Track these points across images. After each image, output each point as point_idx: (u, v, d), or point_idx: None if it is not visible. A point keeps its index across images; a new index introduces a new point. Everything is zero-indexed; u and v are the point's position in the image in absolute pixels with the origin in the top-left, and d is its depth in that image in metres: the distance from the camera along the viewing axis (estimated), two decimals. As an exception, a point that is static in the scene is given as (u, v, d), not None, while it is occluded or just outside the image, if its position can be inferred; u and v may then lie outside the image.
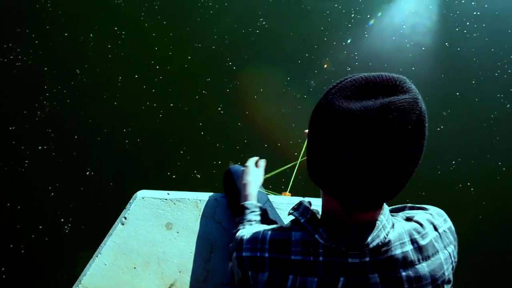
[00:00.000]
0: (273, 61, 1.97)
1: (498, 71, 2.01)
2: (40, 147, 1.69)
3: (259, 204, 0.77)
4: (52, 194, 1.58)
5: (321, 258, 0.45)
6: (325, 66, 1.91)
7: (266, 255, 0.48)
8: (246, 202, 0.76)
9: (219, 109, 1.81)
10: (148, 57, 1.93)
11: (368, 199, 0.41)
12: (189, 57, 1.94)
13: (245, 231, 0.55)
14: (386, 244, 0.44)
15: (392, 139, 0.36)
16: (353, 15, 2.17)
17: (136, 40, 2.00)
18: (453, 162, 1.73)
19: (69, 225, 1.51)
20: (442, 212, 0.53)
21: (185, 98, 1.84)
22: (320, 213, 0.50)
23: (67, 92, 1.83)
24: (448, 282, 0.47)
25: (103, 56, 1.93)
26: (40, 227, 1.50)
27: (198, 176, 1.65)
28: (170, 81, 1.88)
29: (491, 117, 1.85)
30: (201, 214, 1.01)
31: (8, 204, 1.55)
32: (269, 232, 0.50)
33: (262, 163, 0.92)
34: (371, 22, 2.19)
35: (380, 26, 2.15)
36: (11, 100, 1.81)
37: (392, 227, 0.46)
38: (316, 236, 0.46)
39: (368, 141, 0.35)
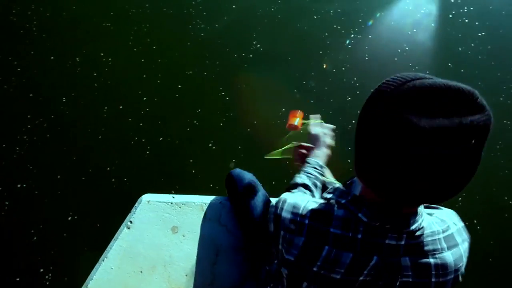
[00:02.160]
0: (268, 84, 2.45)
1: (503, 95, 2.46)
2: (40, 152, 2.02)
3: (323, 165, 1.01)
4: (57, 196, 1.97)
5: (359, 236, 0.59)
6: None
7: (306, 221, 0.63)
8: (310, 159, 1.00)
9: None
10: (135, 85, 2.38)
11: (419, 203, 0.58)
12: (179, 86, 2.41)
13: (290, 195, 0.72)
14: (421, 229, 0.60)
15: (461, 155, 0.47)
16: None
17: (124, 66, 2.47)
18: (459, 198, 2.04)
19: (75, 228, 1.88)
20: (455, 212, 0.71)
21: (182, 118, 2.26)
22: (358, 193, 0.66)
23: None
24: (462, 276, 0.64)
25: (88, 84, 2.37)
26: (45, 229, 1.87)
27: (202, 178, 2.03)
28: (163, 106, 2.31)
29: (498, 148, 2.22)
30: (206, 217, 1.31)
31: (9, 207, 1.92)
32: (313, 203, 0.66)
33: (328, 131, 1.11)
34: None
35: (379, 44, 2.72)
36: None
37: (423, 217, 0.62)
38: (360, 214, 0.60)
39: (437, 158, 0.46)
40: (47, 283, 1.72)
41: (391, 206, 0.59)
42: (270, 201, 1.26)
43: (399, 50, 2.64)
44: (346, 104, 2.33)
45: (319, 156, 1.03)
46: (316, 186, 0.95)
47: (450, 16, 2.87)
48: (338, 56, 2.55)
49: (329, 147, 1.07)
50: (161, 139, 2.18)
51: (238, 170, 1.33)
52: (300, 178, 0.95)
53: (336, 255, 0.60)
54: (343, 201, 0.63)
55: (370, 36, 2.69)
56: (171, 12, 2.75)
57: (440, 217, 0.66)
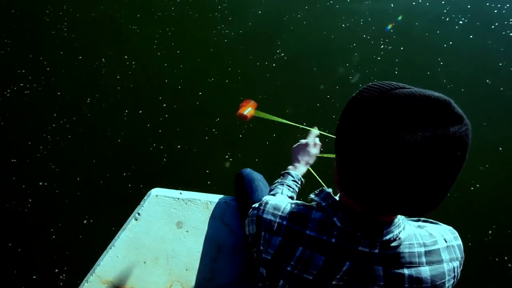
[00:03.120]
0: (287, 93, 2.66)
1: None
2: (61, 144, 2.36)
3: (302, 180, 1.20)
4: (76, 197, 2.30)
5: (333, 240, 0.68)
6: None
7: (284, 222, 0.73)
8: (292, 171, 1.19)
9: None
10: (156, 90, 2.69)
11: (395, 213, 0.64)
12: (200, 93, 2.68)
13: (272, 198, 0.83)
14: (397, 240, 0.66)
15: (440, 164, 0.53)
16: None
17: (146, 70, 2.79)
18: (489, 231, 2.15)
19: (87, 217, 2.22)
20: (454, 230, 0.76)
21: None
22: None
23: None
24: None
25: (111, 87, 2.71)
26: (63, 228, 2.21)
27: (211, 177, 2.29)
28: (179, 115, 2.59)
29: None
30: (210, 215, 1.52)
31: (32, 204, 2.27)
32: (293, 205, 0.77)
33: (319, 143, 1.32)
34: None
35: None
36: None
37: (403, 228, 0.68)
38: (335, 219, 0.68)
39: (418, 168, 0.52)
40: (61, 283, 2.01)
41: (366, 213, 0.65)
42: None
43: (433, 64, 2.76)
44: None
45: (302, 171, 1.23)
46: (293, 199, 1.11)
47: (493, 27, 2.96)
48: (366, 69, 2.71)
49: (313, 158, 1.27)
50: (179, 147, 2.44)
51: (248, 170, 1.50)
52: (281, 190, 1.12)
53: (309, 256, 0.68)
54: (323, 204, 0.72)
55: (402, 48, 2.84)
56: (197, 16, 3.07)
57: (429, 231, 0.72)
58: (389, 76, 2.68)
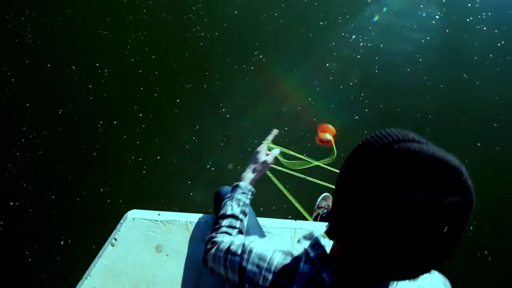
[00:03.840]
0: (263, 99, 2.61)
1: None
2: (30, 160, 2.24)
3: (252, 189, 1.15)
4: (51, 216, 2.17)
5: None
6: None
7: (270, 277, 0.71)
8: (240, 183, 1.14)
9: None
10: (132, 98, 2.58)
11: (387, 278, 0.62)
12: (177, 100, 2.59)
13: (256, 245, 0.79)
14: None
15: (434, 235, 0.50)
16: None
17: (120, 78, 2.68)
18: (470, 227, 2.18)
19: (63, 238, 2.11)
20: (447, 281, 0.75)
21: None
22: (329, 249, 0.71)
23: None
24: None
25: (84, 97, 2.58)
26: (39, 249, 2.06)
27: (198, 199, 2.22)
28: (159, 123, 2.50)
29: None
30: (191, 236, 1.46)
31: (2, 226, 2.15)
32: (280, 254, 0.73)
33: (276, 151, 1.29)
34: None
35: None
36: None
37: (396, 285, 0.66)
38: (324, 275, 0.66)
39: (408, 234, 0.49)
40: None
41: (358, 271, 0.63)
42: (258, 223, 1.39)
43: (412, 60, 2.76)
44: (353, 123, 2.45)
45: (251, 178, 1.19)
46: (245, 214, 1.09)
47: (468, 20, 2.97)
48: (345, 69, 2.68)
49: (263, 166, 1.23)
50: (158, 157, 2.35)
51: (226, 188, 1.44)
52: (231, 207, 1.08)
53: None
54: (312, 254, 0.70)
55: (381, 45, 2.82)
56: (170, 18, 2.96)
57: (420, 284, 0.70)
58: (369, 75, 2.66)
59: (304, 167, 1.34)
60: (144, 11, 2.96)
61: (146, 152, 2.39)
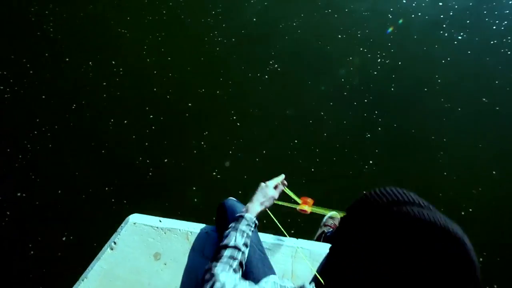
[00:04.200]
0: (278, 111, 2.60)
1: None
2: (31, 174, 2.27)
3: (256, 221, 1.19)
4: (57, 210, 2.18)
5: None
6: None
7: None
8: (246, 214, 1.17)
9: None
10: (144, 99, 2.60)
11: None
12: (189, 104, 2.60)
13: (228, 280, 0.87)
14: None
15: None
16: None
17: (134, 77, 2.70)
18: (480, 258, 2.12)
19: (66, 234, 2.11)
20: None
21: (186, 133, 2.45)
22: None
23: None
24: None
25: (98, 93, 2.62)
26: (42, 243, 2.09)
27: (202, 206, 2.21)
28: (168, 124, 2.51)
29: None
30: (190, 247, 1.45)
31: (9, 217, 2.18)
32: None
33: (281, 186, 1.36)
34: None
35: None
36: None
37: None
38: None
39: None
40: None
41: None
42: (259, 240, 1.38)
43: (430, 81, 2.71)
44: (364, 142, 2.42)
45: (257, 211, 1.23)
46: (247, 245, 1.11)
47: (492, 43, 2.91)
48: (361, 86, 2.64)
49: (270, 200, 1.29)
50: (165, 160, 2.36)
51: (231, 201, 1.44)
52: (234, 238, 1.10)
53: None
54: None
55: (399, 63, 2.78)
56: (189, 21, 2.98)
57: None
58: (384, 93, 2.62)
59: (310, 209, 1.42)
60: (164, 12, 2.99)
61: (154, 154, 2.40)
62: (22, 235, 2.18)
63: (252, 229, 1.17)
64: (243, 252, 1.08)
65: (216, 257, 1.06)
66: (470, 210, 2.28)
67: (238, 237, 1.10)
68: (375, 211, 0.52)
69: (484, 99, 2.67)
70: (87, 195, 2.27)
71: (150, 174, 2.34)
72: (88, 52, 2.83)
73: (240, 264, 1.07)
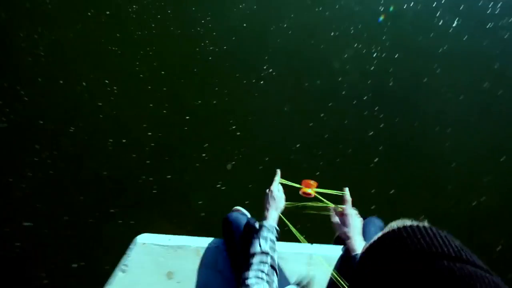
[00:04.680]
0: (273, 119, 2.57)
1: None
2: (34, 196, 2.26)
3: (277, 228, 1.19)
4: (65, 237, 2.15)
5: None
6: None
7: None
8: (265, 222, 1.18)
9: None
10: (141, 116, 2.58)
11: None
12: (187, 117, 2.58)
13: None
14: None
15: None
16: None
17: (129, 94, 2.68)
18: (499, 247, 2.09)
19: (76, 265, 2.08)
20: None
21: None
22: None
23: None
24: None
25: (94, 114, 2.60)
26: (54, 272, 2.05)
27: (209, 220, 2.19)
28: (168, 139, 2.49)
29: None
30: (202, 262, 1.45)
31: (20, 248, 2.13)
32: None
33: (277, 179, 1.36)
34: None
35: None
36: None
37: None
38: None
39: None
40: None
41: None
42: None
43: (429, 71, 2.68)
44: (367, 140, 2.39)
45: (275, 218, 1.23)
46: (274, 250, 1.11)
47: (487, 27, 2.87)
48: (359, 83, 2.61)
49: (281, 200, 1.30)
50: (168, 177, 2.34)
51: (235, 215, 1.45)
52: (259, 244, 1.10)
53: None
54: None
55: (396, 56, 2.75)
56: (179, 32, 2.95)
57: None
58: (383, 88, 2.59)
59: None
60: (153, 25, 2.96)
61: (156, 171, 2.38)
62: (33, 265, 2.16)
63: (275, 235, 1.16)
64: (271, 256, 1.08)
65: (246, 266, 1.06)
66: (482, 199, 2.26)
67: (263, 242, 1.10)
68: (407, 262, 0.42)
69: (485, 85, 2.64)
70: (94, 219, 2.26)
71: (155, 191, 2.33)
72: (81, 73, 2.80)
73: (272, 267, 1.07)
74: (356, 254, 1.15)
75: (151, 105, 2.61)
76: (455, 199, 2.24)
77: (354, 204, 1.29)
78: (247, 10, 3.01)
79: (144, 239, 1.52)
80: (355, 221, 1.24)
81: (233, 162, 2.35)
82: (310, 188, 1.35)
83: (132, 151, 2.45)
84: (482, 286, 0.37)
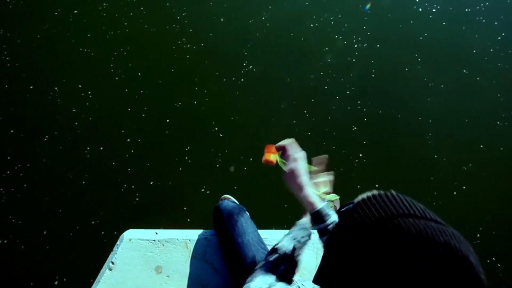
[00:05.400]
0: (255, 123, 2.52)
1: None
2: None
3: (329, 204, 0.98)
4: (45, 252, 2.06)
5: None
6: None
7: None
8: (318, 207, 0.93)
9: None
10: (119, 121, 2.49)
11: None
12: (167, 120, 2.50)
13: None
14: None
15: None
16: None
17: (105, 99, 2.57)
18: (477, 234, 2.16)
19: (57, 278, 1.95)
20: None
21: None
22: None
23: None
24: None
25: (69, 122, 2.49)
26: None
27: (189, 211, 2.18)
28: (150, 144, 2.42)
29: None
30: (191, 255, 1.44)
31: None
32: None
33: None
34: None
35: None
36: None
37: None
38: None
39: None
40: None
41: None
42: (260, 238, 1.36)
43: (410, 60, 2.67)
44: (351, 135, 2.37)
45: (311, 199, 0.96)
46: (295, 249, 0.97)
47: (466, 11, 2.87)
48: (341, 77, 2.58)
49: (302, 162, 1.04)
50: (151, 183, 2.28)
51: (226, 203, 1.43)
52: (282, 241, 0.99)
53: None
54: None
55: (377, 46, 2.72)
56: (154, 30, 2.83)
57: None
58: (365, 80, 2.56)
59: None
60: (125, 24, 2.84)
61: (138, 178, 2.31)
62: (12, 285, 2.09)
63: (309, 232, 1.01)
64: (291, 257, 0.96)
65: (266, 260, 0.96)
66: (464, 187, 2.29)
67: (292, 241, 0.98)
68: (365, 229, 0.48)
69: (464, 71, 2.66)
70: (74, 232, 2.19)
71: (137, 199, 2.27)
72: (52, 77, 2.68)
73: (288, 267, 0.95)
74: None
75: (129, 109, 2.52)
76: (437, 191, 2.27)
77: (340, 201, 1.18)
78: (224, 3, 2.91)
79: (130, 234, 1.51)
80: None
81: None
82: (272, 154, 1.07)
83: (111, 158, 2.37)
84: (445, 237, 0.44)
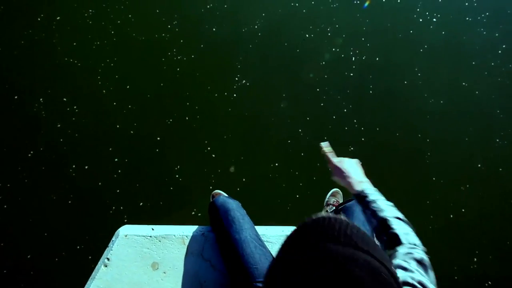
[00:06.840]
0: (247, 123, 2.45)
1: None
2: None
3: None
4: (27, 268, 1.98)
5: None
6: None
7: None
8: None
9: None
10: (106, 139, 2.40)
11: None
12: (157, 138, 2.42)
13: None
14: None
15: None
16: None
17: (91, 113, 2.47)
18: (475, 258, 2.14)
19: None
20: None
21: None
22: None
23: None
24: None
25: (54, 138, 2.40)
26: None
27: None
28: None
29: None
30: (188, 251, 1.42)
31: None
32: None
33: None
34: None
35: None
36: None
37: None
38: None
39: None
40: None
41: None
42: (258, 234, 1.37)
43: (411, 73, 2.61)
44: (348, 155, 2.30)
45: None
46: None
47: (467, 20, 2.79)
48: (338, 94, 2.52)
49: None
50: (141, 204, 2.22)
51: (222, 199, 1.43)
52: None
53: None
54: None
55: (377, 59, 2.64)
56: (143, 39, 2.73)
57: None
58: (363, 97, 2.49)
59: None
60: (113, 32, 2.73)
61: (127, 199, 2.26)
62: (7, 280, 2.04)
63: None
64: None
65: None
66: (463, 210, 2.26)
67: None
68: (300, 244, 0.51)
69: (464, 83, 2.61)
70: (59, 257, 2.13)
71: (126, 221, 2.20)
72: (37, 87, 2.57)
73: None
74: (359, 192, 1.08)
75: (117, 126, 2.43)
76: (433, 214, 2.24)
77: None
78: (217, 11, 2.80)
79: (126, 230, 1.49)
80: (345, 165, 1.20)
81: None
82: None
83: (98, 177, 2.30)
84: (352, 265, 0.45)
